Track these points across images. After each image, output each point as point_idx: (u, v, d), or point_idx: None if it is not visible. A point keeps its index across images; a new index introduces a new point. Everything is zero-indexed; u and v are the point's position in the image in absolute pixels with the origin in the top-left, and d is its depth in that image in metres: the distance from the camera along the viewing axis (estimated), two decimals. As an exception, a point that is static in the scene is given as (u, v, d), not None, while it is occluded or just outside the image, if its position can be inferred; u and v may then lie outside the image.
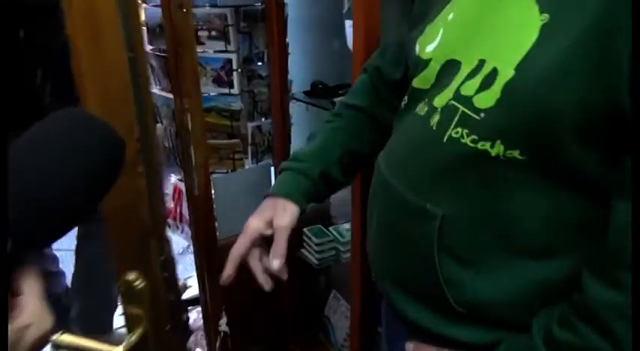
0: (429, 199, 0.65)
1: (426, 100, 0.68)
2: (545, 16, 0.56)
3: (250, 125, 1.69)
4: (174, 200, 2.28)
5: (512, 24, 0.59)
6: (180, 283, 0.76)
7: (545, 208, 0.60)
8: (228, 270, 0.84)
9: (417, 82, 0.72)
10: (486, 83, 0.59)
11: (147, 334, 0.66)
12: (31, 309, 0.40)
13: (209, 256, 1.63)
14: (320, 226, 1.73)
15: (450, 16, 0.69)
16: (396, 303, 0.75)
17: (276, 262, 0.80)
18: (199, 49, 1.53)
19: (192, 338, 2.14)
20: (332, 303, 1.88)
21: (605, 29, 0.51)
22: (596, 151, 0.56)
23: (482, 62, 0.60)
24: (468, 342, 0.67)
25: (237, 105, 1.64)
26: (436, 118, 0.65)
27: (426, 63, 0.69)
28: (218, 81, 1.61)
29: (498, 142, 0.59)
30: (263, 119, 1.71)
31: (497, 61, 0.59)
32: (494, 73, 0.59)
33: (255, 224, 0.81)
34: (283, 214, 0.81)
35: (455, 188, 0.64)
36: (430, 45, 0.69)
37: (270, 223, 0.81)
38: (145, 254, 0.59)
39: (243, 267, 1.75)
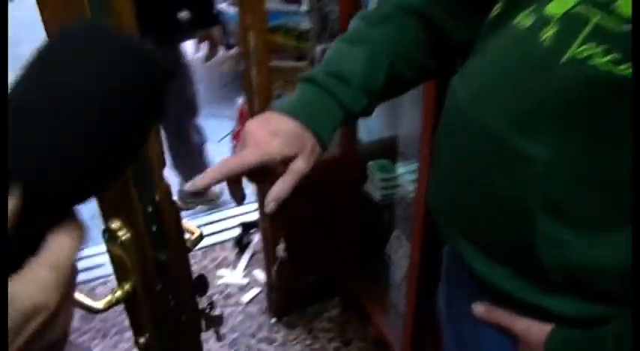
0: (528, 139, 0.51)
1: (534, 7, 0.52)
2: None
3: (319, 47, 1.56)
4: (240, 123, 2.26)
5: None
6: (196, 233, 0.67)
7: None
8: (210, 176, 0.58)
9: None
10: None
11: (137, 291, 0.60)
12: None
13: (267, 184, 1.59)
14: (387, 160, 1.62)
15: None
16: (470, 261, 0.62)
17: (271, 205, 0.62)
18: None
19: (253, 259, 2.19)
20: (394, 242, 1.81)
21: None
22: None
23: None
24: (559, 313, 0.56)
25: (305, 24, 1.52)
26: (550, 32, 0.49)
27: None
28: (287, -4, 1.48)
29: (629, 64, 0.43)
30: (333, 42, 1.58)
31: None
32: None
33: (277, 149, 0.60)
34: (310, 158, 0.63)
35: (565, 127, 0.49)
36: None
37: (288, 158, 0.62)
38: (126, 203, 0.51)
39: (307, 194, 1.70)
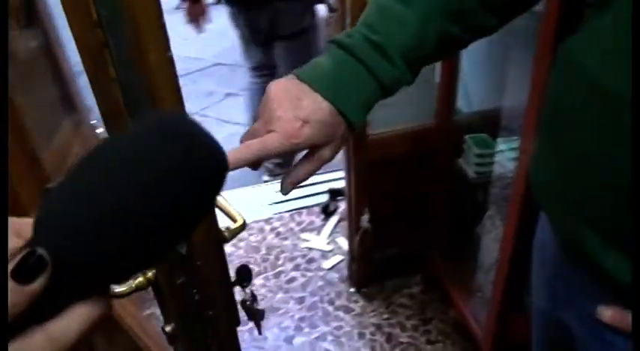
0: None
1: None
2: None
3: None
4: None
5: None
6: (238, 222, 0.61)
7: None
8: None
9: None
10: None
11: (158, 281, 0.57)
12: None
13: (358, 151, 1.54)
14: (486, 134, 1.49)
15: None
16: (593, 253, 0.54)
17: (289, 188, 0.55)
18: None
19: (339, 227, 2.18)
20: (486, 223, 1.68)
21: None
22: None
23: None
24: None
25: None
26: None
27: None
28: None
29: None
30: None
31: None
32: None
33: (307, 140, 0.52)
34: (339, 146, 0.55)
35: None
36: None
37: (316, 146, 0.53)
38: None
39: (396, 165, 1.62)
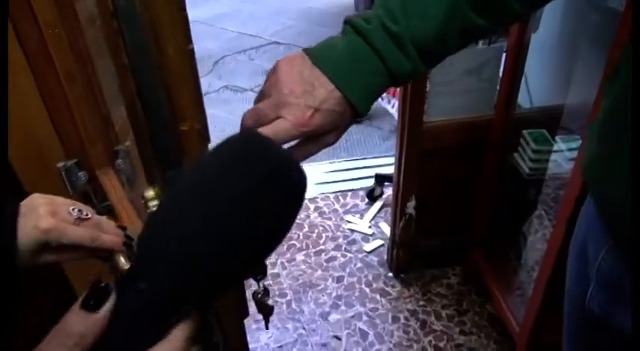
0: None
1: None
2: None
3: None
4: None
5: None
6: None
7: None
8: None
9: None
10: None
11: None
12: None
13: (410, 137, 1.55)
14: (544, 130, 1.46)
15: None
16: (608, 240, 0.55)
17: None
18: None
19: (382, 212, 2.20)
20: (534, 221, 1.66)
21: None
22: None
23: None
24: None
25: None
26: None
27: None
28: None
29: None
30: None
31: None
32: None
33: (315, 127, 0.51)
34: (342, 133, 0.55)
35: None
36: None
37: (325, 130, 0.53)
38: (157, 176, 0.46)
39: (448, 154, 1.62)
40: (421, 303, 1.80)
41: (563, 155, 1.44)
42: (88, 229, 0.55)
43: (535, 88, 1.58)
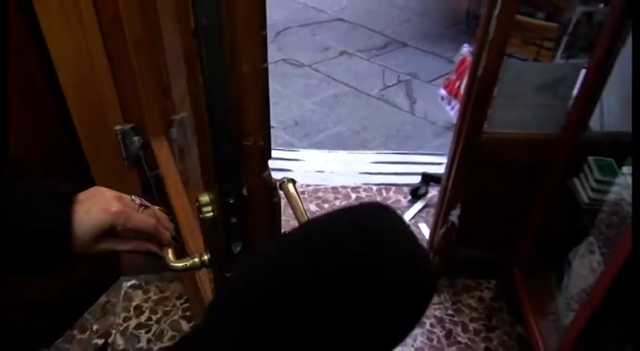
0: None
1: None
2: None
3: (580, 9, 1.32)
4: (457, 72, 2.12)
5: None
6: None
7: None
8: None
9: None
10: None
11: (206, 269, 0.58)
12: None
13: (467, 144, 1.49)
14: (612, 159, 1.37)
15: None
16: None
17: None
18: None
19: (423, 212, 2.15)
20: (583, 249, 1.58)
21: None
22: None
23: None
24: None
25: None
26: None
27: None
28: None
29: None
30: (601, 5, 1.32)
31: None
32: None
33: None
34: None
35: None
36: None
37: None
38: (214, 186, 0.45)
39: (505, 168, 1.55)
40: (449, 312, 1.77)
41: (626, 182, 1.35)
42: (150, 217, 0.57)
43: (610, 112, 1.47)
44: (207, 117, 0.39)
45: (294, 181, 0.62)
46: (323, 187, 2.22)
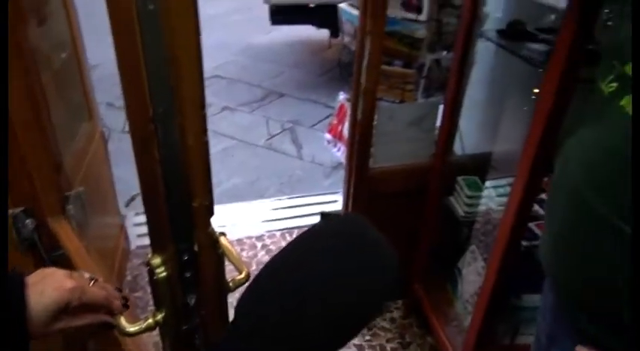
0: (628, 222, 0.55)
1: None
2: None
3: (430, 57, 1.59)
4: (338, 117, 2.34)
5: None
6: (243, 273, 0.67)
7: None
8: None
9: (629, 68, 0.57)
10: None
11: (164, 326, 0.63)
12: None
13: (358, 181, 1.66)
14: (476, 177, 1.62)
15: None
16: (573, 318, 0.68)
17: None
18: (395, -33, 1.44)
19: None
20: (468, 257, 1.81)
21: None
22: None
23: None
24: None
25: (421, 33, 1.55)
26: None
27: None
28: (407, 5, 1.52)
29: None
30: (444, 53, 1.60)
31: None
32: None
33: None
34: None
35: None
36: None
37: None
38: (166, 245, 0.55)
39: (391, 196, 1.74)
40: (367, 338, 1.88)
41: (493, 196, 1.60)
42: (100, 289, 0.59)
43: (469, 137, 1.75)
44: (163, 187, 0.46)
45: (224, 234, 0.70)
46: (228, 240, 2.26)
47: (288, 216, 2.46)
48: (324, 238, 0.47)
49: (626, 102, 0.56)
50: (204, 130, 0.47)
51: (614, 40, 0.65)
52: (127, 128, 3.82)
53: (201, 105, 0.45)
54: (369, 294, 0.44)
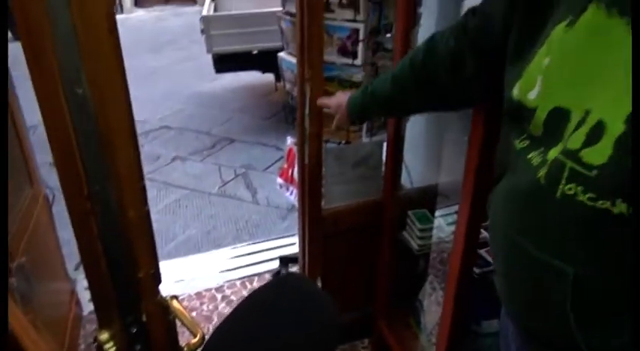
0: (556, 256, 0.62)
1: (542, 149, 0.64)
2: None
3: (369, 98, 1.65)
4: (287, 161, 2.37)
5: (620, 69, 0.53)
6: (197, 336, 0.67)
7: None
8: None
9: (532, 129, 0.66)
10: (594, 137, 0.55)
11: None
12: None
13: (312, 223, 1.67)
14: (425, 210, 1.67)
15: (547, 61, 0.62)
16: (521, 340, 0.75)
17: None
18: (328, 16, 1.51)
19: (288, 292, 2.25)
20: (427, 288, 1.84)
21: None
22: None
23: (587, 112, 0.56)
24: None
25: (358, 76, 1.61)
26: (543, 172, 0.61)
27: (532, 112, 0.64)
28: (343, 51, 1.59)
29: (619, 200, 0.53)
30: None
31: (604, 112, 0.54)
32: (601, 125, 0.54)
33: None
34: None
35: (581, 246, 0.60)
36: (532, 92, 0.64)
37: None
38: (113, 320, 0.53)
39: (347, 235, 1.76)
40: (336, 380, 1.85)
41: (444, 226, 1.65)
42: None
43: (414, 171, 1.81)
44: (104, 262, 0.46)
45: (176, 297, 0.69)
46: (187, 295, 2.19)
47: (248, 263, 2.43)
48: (267, 302, 0.50)
49: (532, 156, 0.64)
50: (144, 201, 0.47)
51: None
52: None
53: (139, 177, 0.46)
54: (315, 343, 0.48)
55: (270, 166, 3.67)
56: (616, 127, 0.52)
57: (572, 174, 0.57)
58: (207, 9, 4.43)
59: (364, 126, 1.69)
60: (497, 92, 0.77)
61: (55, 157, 0.43)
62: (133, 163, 0.45)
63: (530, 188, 0.63)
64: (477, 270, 1.45)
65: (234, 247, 2.58)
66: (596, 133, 0.54)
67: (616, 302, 0.59)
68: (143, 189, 0.46)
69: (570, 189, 0.57)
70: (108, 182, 0.42)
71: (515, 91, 0.67)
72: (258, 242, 2.62)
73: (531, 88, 0.64)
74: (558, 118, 0.60)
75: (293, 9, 1.63)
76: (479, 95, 0.94)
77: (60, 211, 2.09)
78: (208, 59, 4.39)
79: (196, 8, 8.60)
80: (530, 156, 0.64)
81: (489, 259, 1.50)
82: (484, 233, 1.49)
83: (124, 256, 0.48)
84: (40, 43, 0.37)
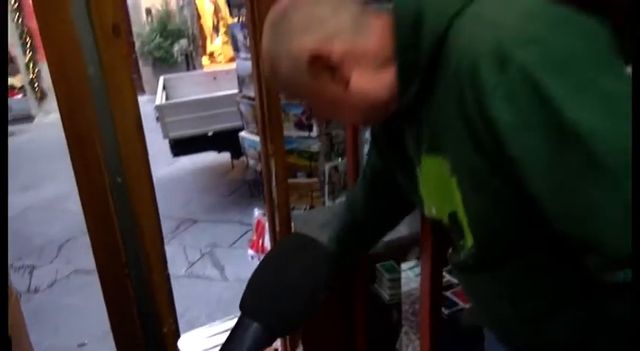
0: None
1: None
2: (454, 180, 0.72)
3: (327, 165, 1.81)
4: (256, 232, 2.46)
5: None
6: None
7: None
8: None
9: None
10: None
11: None
12: None
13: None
14: (392, 261, 1.79)
15: (421, 187, 0.86)
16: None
17: None
18: (283, 96, 1.69)
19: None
20: (404, 339, 1.91)
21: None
22: None
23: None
24: None
25: (316, 146, 1.78)
26: None
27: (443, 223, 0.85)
28: (299, 125, 1.76)
29: None
30: (339, 159, 1.83)
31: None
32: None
33: None
34: None
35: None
36: (432, 208, 0.86)
37: None
38: None
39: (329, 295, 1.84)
40: None
41: (411, 276, 1.76)
42: None
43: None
44: (139, 322, 0.54)
45: (185, 355, 0.77)
46: (167, 379, 2.16)
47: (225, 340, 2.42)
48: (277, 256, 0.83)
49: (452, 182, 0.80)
50: (165, 265, 0.57)
51: None
52: (33, 287, 3.53)
53: (161, 244, 0.56)
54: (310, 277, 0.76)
55: (235, 242, 3.72)
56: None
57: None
58: (160, 98, 4.62)
59: (325, 190, 1.83)
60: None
61: (93, 239, 0.53)
62: (156, 232, 0.55)
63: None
64: (445, 311, 1.55)
65: (210, 326, 2.57)
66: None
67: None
68: (164, 255, 0.56)
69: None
70: (139, 249, 0.52)
71: (425, 209, 0.90)
72: (233, 318, 2.62)
73: (429, 205, 0.87)
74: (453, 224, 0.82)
75: (250, 92, 1.82)
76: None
77: (26, 311, 2.03)
78: (164, 145, 4.50)
79: (146, 97, 8.81)
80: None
81: (455, 299, 1.62)
82: (447, 277, 1.62)
83: (153, 314, 0.57)
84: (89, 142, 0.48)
